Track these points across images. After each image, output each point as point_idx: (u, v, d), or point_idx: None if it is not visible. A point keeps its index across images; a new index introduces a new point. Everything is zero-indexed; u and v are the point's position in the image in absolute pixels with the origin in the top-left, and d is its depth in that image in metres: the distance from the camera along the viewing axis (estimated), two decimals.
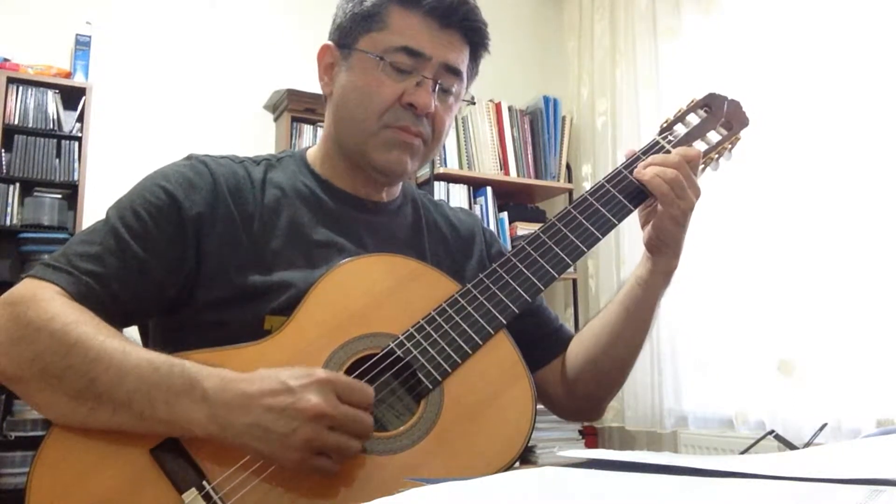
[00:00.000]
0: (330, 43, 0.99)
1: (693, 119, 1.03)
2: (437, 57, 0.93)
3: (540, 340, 1.07)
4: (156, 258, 0.86)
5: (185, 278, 0.88)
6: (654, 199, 0.93)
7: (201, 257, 0.88)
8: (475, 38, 0.98)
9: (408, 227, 1.05)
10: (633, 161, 0.97)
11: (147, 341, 0.99)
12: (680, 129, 1.02)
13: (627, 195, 0.94)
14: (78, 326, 0.75)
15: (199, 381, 0.73)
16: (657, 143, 0.99)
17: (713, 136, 1.02)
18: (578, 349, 1.05)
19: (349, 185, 1.01)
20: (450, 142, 3.10)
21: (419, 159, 0.98)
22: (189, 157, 0.95)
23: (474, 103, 1.13)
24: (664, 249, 0.95)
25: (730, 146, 1.03)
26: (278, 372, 0.73)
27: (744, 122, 1.03)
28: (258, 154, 1.03)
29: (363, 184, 1.01)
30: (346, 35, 0.97)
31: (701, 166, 1.02)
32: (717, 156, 1.02)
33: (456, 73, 0.96)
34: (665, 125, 1.03)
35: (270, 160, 1.01)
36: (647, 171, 0.92)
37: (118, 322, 0.89)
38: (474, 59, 1.01)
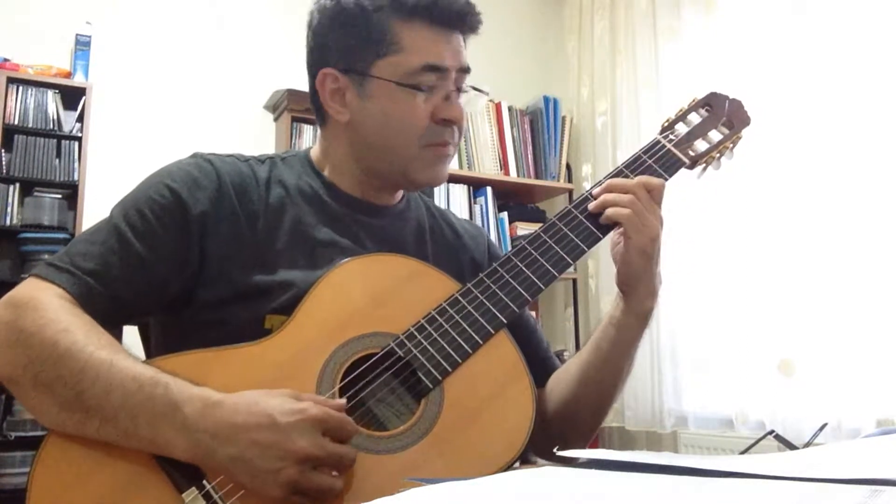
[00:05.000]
0: (330, 70, 0.94)
1: (694, 118, 1.03)
2: (455, 65, 0.93)
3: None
4: (158, 257, 0.85)
5: (188, 277, 0.88)
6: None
7: (205, 256, 0.88)
8: (472, 31, 0.97)
9: (411, 232, 1.04)
10: (632, 161, 0.96)
11: (147, 342, 0.98)
12: (681, 129, 1.01)
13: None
14: (69, 335, 0.74)
15: (179, 406, 0.71)
16: (658, 142, 0.99)
17: (714, 136, 1.02)
18: (554, 385, 1.02)
19: (354, 189, 1.00)
20: None
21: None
22: (194, 156, 0.95)
23: (476, 91, 1.09)
24: (636, 286, 0.90)
25: (731, 145, 1.03)
26: (267, 401, 0.72)
27: (745, 121, 1.03)
28: (263, 153, 1.03)
29: (370, 188, 1.00)
30: (353, 61, 0.93)
31: (702, 165, 1.02)
32: (718, 155, 1.02)
33: (467, 70, 0.96)
34: (666, 124, 1.03)
35: (275, 159, 1.00)
36: (601, 198, 0.90)
37: (120, 320, 0.89)
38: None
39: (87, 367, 0.73)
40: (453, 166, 3.09)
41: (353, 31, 0.92)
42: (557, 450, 0.56)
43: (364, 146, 0.96)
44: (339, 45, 0.94)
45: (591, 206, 0.91)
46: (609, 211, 0.89)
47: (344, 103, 0.95)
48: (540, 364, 1.03)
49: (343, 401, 0.76)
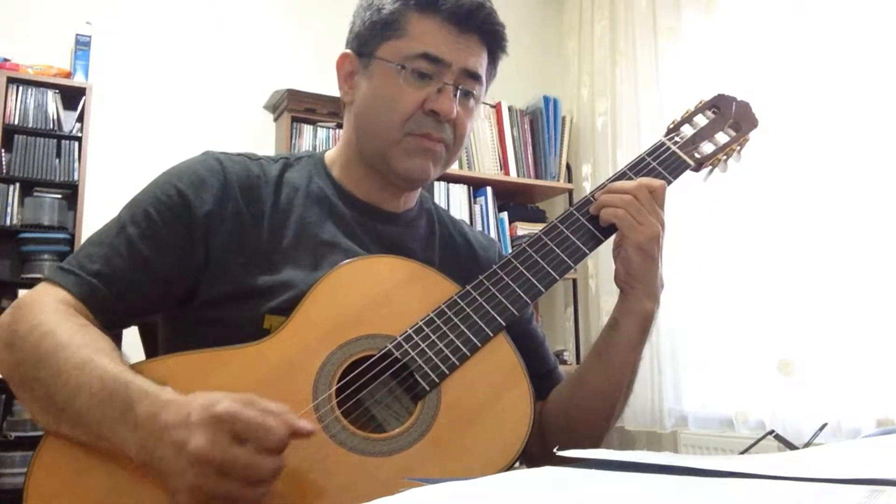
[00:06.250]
0: (349, 51, 0.98)
1: (701, 120, 1.02)
2: (458, 63, 0.92)
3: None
4: (163, 258, 0.86)
5: (193, 277, 0.88)
6: None
7: (209, 256, 0.88)
8: (493, 40, 0.96)
9: (419, 240, 1.03)
10: (636, 163, 0.96)
11: (148, 342, 0.98)
12: (687, 130, 1.01)
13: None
14: (52, 338, 0.74)
15: (133, 407, 0.68)
16: (662, 144, 0.99)
17: (721, 138, 1.01)
18: (554, 396, 1.00)
19: (363, 193, 0.99)
20: None
21: (441, 165, 0.97)
22: (205, 154, 0.95)
23: (493, 106, 1.10)
24: (634, 285, 0.90)
25: (738, 147, 1.02)
26: (198, 399, 0.66)
27: (753, 123, 1.02)
28: (278, 153, 1.02)
29: (379, 192, 0.99)
30: (365, 43, 0.95)
31: (709, 168, 1.01)
32: (724, 157, 1.01)
33: (476, 77, 0.95)
34: (672, 126, 1.02)
35: (288, 159, 1.00)
36: (599, 200, 0.90)
37: (125, 320, 0.90)
38: (492, 60, 0.99)
39: (61, 370, 0.73)
40: (453, 166, 3.09)
41: (374, 15, 0.95)
42: (557, 450, 0.56)
43: (359, 128, 0.97)
44: (361, 28, 0.96)
45: (592, 208, 0.92)
46: (604, 212, 0.90)
47: (352, 85, 0.98)
48: (544, 378, 1.02)
49: (292, 416, 0.67)
